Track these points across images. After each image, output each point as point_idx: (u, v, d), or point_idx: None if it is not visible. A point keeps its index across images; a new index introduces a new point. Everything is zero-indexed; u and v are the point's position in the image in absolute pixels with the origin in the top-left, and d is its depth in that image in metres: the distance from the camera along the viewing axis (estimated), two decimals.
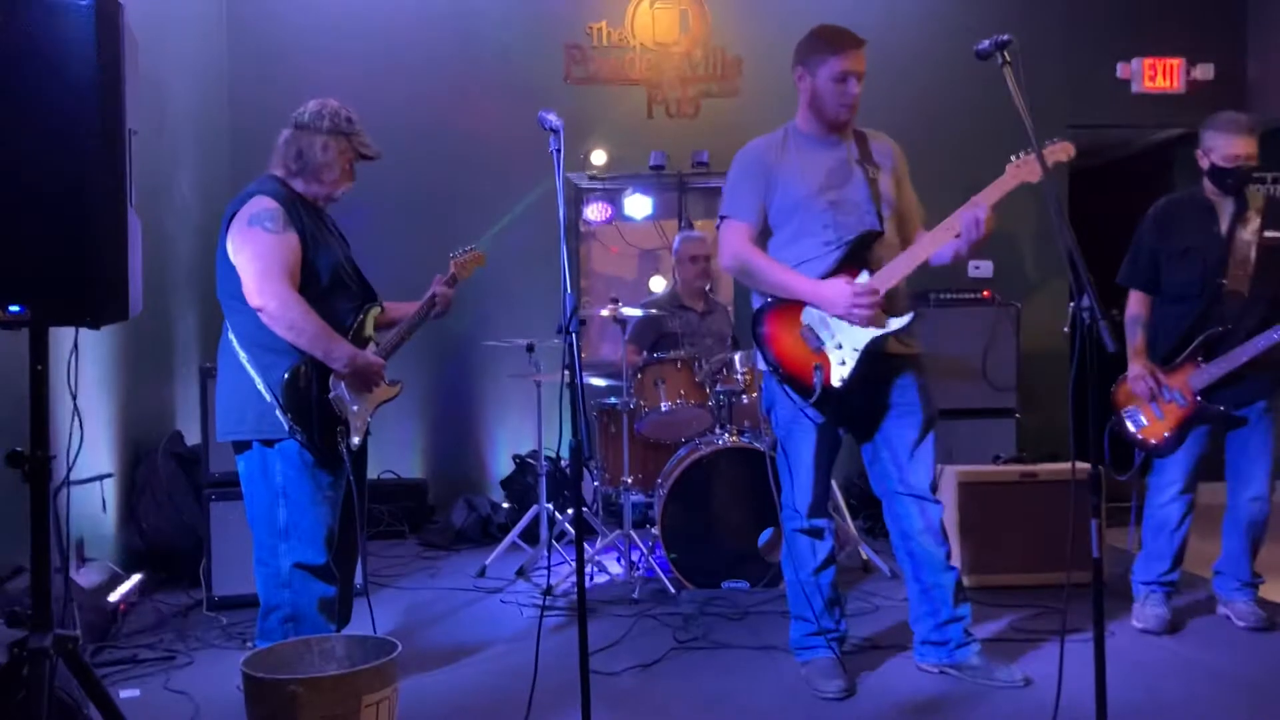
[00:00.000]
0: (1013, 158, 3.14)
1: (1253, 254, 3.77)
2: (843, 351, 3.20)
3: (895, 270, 3.21)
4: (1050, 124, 6.10)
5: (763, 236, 3.38)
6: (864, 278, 3.21)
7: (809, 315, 3.25)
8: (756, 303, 3.41)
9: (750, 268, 3.32)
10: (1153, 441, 3.87)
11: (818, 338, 3.24)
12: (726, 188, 3.44)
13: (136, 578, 4.30)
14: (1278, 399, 3.86)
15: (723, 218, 3.41)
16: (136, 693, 3.32)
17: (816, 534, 3.42)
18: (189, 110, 5.74)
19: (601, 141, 6.39)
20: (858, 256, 3.24)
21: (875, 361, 3.22)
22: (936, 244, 3.22)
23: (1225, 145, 3.74)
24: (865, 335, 3.19)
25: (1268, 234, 3.79)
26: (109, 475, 4.40)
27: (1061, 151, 3.11)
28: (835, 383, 3.20)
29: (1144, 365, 3.85)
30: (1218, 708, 3.13)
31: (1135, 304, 3.96)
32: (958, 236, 3.16)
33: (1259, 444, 3.84)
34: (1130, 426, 3.90)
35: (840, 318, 3.19)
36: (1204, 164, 3.83)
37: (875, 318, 3.16)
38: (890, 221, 3.33)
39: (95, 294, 2.22)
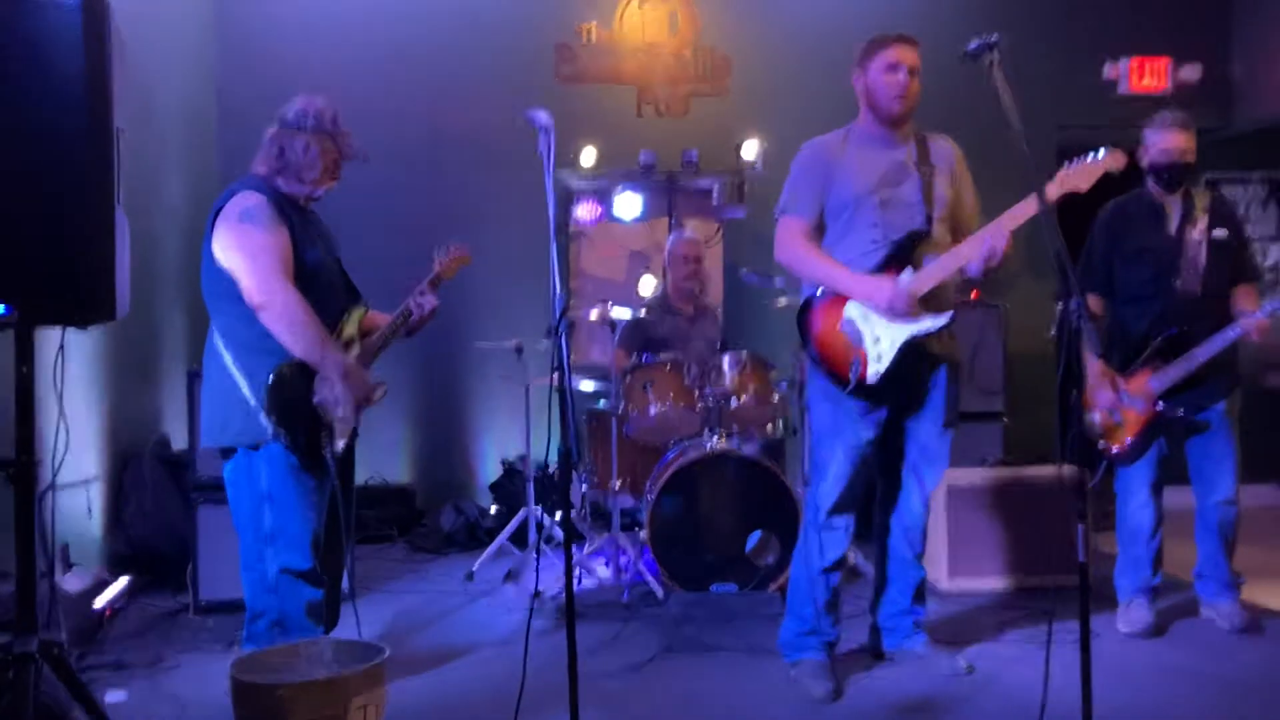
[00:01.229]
0: (1065, 164, 3.12)
1: (1202, 253, 3.82)
2: (880, 346, 3.28)
3: (934, 271, 3.26)
4: (1038, 124, 6.18)
5: (819, 233, 3.45)
6: (907, 274, 3.26)
7: (852, 309, 3.33)
8: (805, 295, 3.49)
9: (800, 262, 3.42)
10: (1115, 449, 3.88)
11: (858, 332, 3.31)
12: (787, 184, 3.50)
13: (123, 582, 4.27)
14: (1235, 400, 3.89)
15: (781, 213, 3.49)
16: (123, 696, 3.31)
17: (835, 533, 3.44)
18: (177, 110, 5.71)
19: (591, 141, 6.38)
20: (903, 255, 3.30)
21: (913, 359, 3.30)
22: (966, 256, 3.24)
23: (1161, 140, 3.81)
24: (903, 333, 3.27)
25: (1215, 233, 3.84)
26: (95, 479, 4.37)
27: (1113, 161, 3.09)
28: (870, 377, 3.28)
29: (1103, 374, 3.87)
30: (1203, 709, 3.15)
31: (1090, 307, 3.98)
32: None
33: (1222, 447, 3.87)
34: (1093, 434, 3.91)
35: (880, 314, 3.27)
36: (1144, 162, 3.88)
37: (913, 311, 3.24)
38: (942, 223, 3.38)
39: (82, 295, 2.22)
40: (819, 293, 3.41)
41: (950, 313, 3.29)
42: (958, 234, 3.41)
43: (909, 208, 3.34)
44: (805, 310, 3.43)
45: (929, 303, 3.28)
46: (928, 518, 3.56)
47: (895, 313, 3.23)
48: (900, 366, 3.28)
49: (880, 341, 3.28)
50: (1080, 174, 3.08)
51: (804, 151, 3.49)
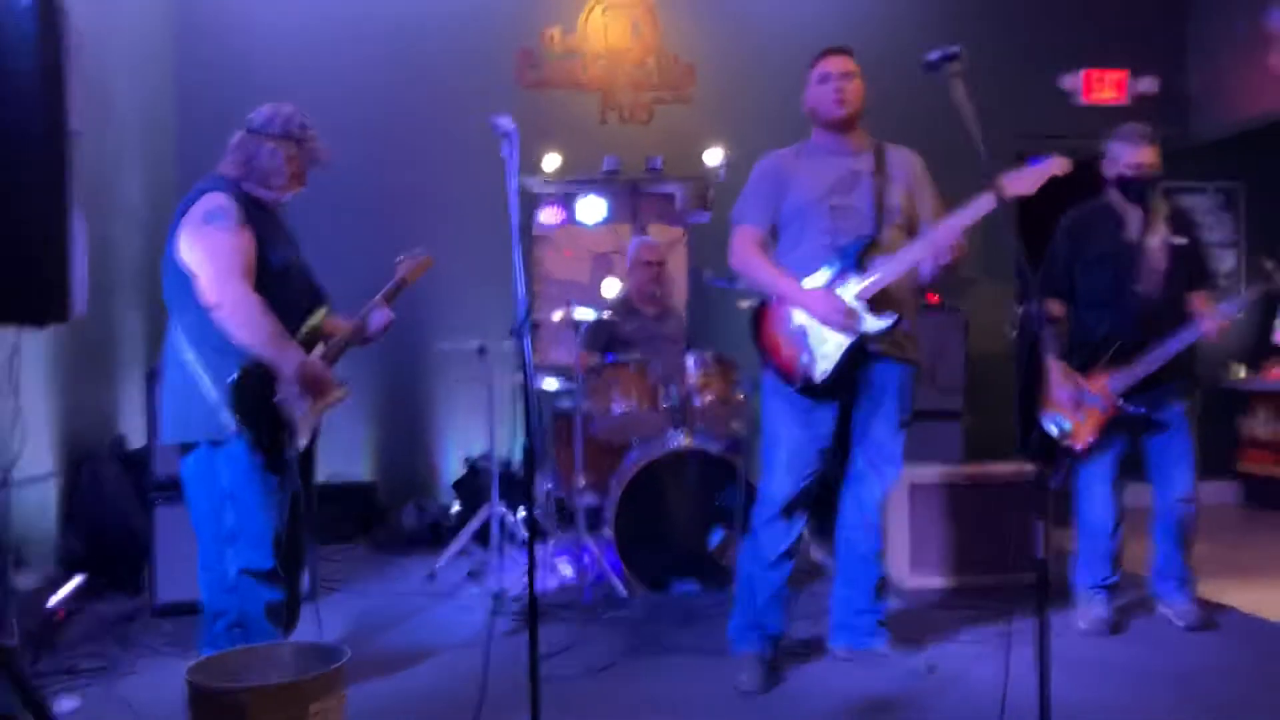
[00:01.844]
0: (1011, 170, 3.18)
1: (1162, 259, 3.90)
2: (827, 346, 3.36)
3: (882, 275, 3.33)
4: (998, 133, 6.23)
5: (773, 240, 3.56)
6: (854, 280, 3.34)
7: (801, 312, 3.40)
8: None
9: (751, 269, 3.51)
10: (1077, 447, 3.95)
11: (806, 333, 3.39)
12: (742, 194, 3.60)
13: (77, 583, 4.22)
14: (1194, 401, 3.97)
15: (735, 221, 3.58)
16: (76, 703, 3.26)
17: (779, 528, 3.48)
18: (135, 111, 5.65)
19: (554, 146, 6.38)
20: (851, 260, 3.36)
21: (863, 359, 3.39)
22: (912, 259, 3.33)
23: (1130, 154, 3.88)
24: (849, 334, 3.34)
25: (1174, 240, 3.93)
26: (50, 478, 4.32)
27: (1058, 167, 3.16)
28: (818, 376, 3.37)
29: (1063, 373, 3.93)
30: (1158, 705, 3.19)
31: (1052, 311, 4.04)
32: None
33: (1180, 446, 3.94)
34: (1054, 432, 3.98)
35: (819, 321, 3.35)
36: (1110, 173, 3.96)
37: (849, 323, 3.30)
38: (897, 229, 3.44)
39: (38, 294, 2.19)
40: (767, 296, 3.50)
41: (894, 315, 3.33)
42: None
43: (859, 214, 3.41)
44: (759, 310, 3.52)
45: (878, 305, 3.34)
46: (884, 516, 3.60)
47: (831, 325, 3.32)
48: (848, 367, 3.36)
49: (827, 342, 3.36)
50: (1025, 179, 3.15)
51: (760, 163, 3.59)
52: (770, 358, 3.47)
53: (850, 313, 3.31)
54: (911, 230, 3.49)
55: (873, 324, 3.33)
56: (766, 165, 3.56)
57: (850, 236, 3.38)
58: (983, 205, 3.21)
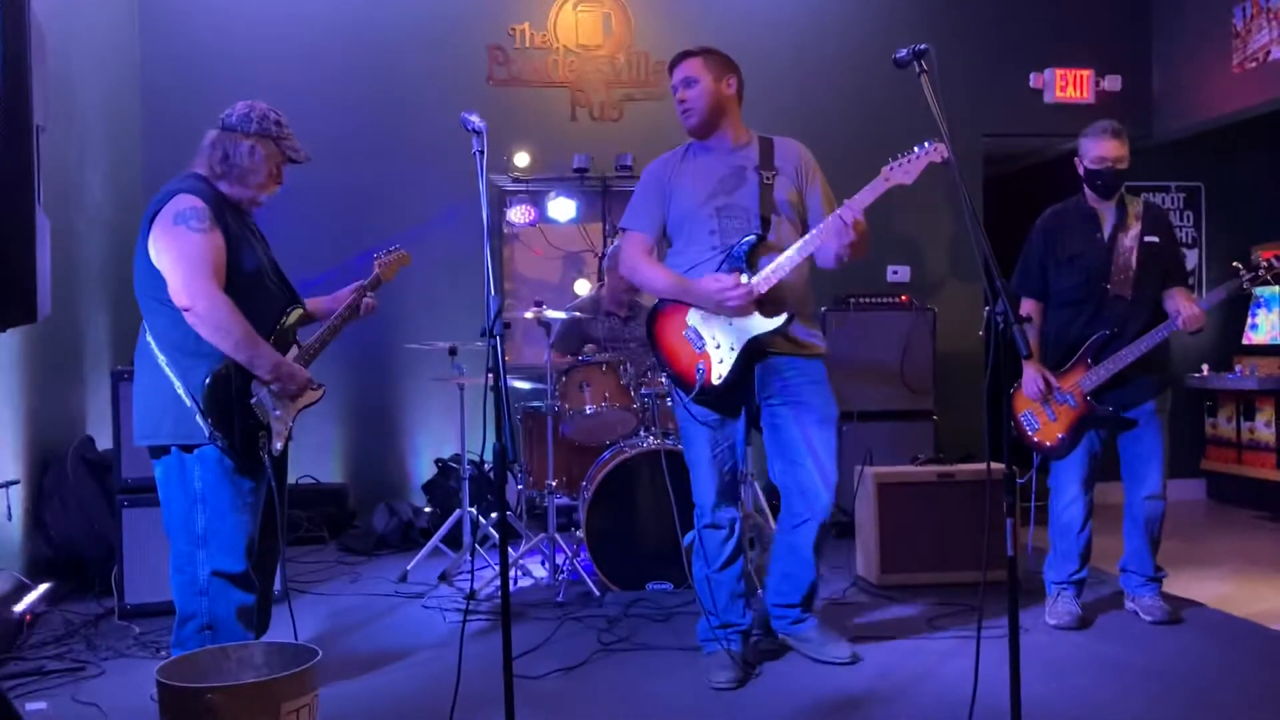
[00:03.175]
0: (890, 159, 3.23)
1: (1134, 259, 3.94)
2: (721, 350, 3.35)
3: (770, 274, 3.32)
4: (966, 131, 6.31)
5: (663, 246, 3.55)
6: (745, 279, 3.32)
7: (693, 316, 3.40)
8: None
9: (640, 274, 3.51)
10: (1048, 444, 4.00)
11: (700, 338, 3.38)
12: (630, 201, 3.59)
13: (44, 587, 4.17)
14: (1165, 400, 4.02)
15: (622, 229, 3.57)
16: (44, 705, 3.22)
17: (719, 530, 3.49)
18: (100, 108, 5.58)
19: (525, 143, 6.38)
20: (740, 260, 3.35)
21: (761, 360, 3.38)
22: (811, 247, 3.32)
23: (1094, 149, 3.94)
24: (742, 336, 3.33)
25: (1147, 239, 3.97)
26: (14, 482, 4.26)
27: (935, 154, 3.17)
28: (715, 380, 3.35)
29: (1036, 369, 3.97)
30: (1125, 699, 3.23)
31: (1026, 310, 4.09)
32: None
33: (1150, 444, 3.98)
34: (1026, 430, 4.02)
35: (714, 310, 3.33)
36: (1080, 169, 4.00)
37: (744, 312, 3.29)
38: (787, 224, 3.43)
39: (2, 295, 2.16)
40: (659, 303, 3.48)
41: (784, 315, 3.33)
42: (807, 233, 3.45)
43: (745, 212, 3.40)
44: (651, 319, 3.50)
45: (769, 304, 3.33)
46: (825, 525, 3.47)
47: (727, 307, 3.28)
48: (746, 369, 3.35)
49: (721, 346, 3.35)
50: (904, 168, 3.20)
51: (645, 171, 3.59)
52: (668, 365, 3.44)
53: (741, 285, 3.26)
54: (803, 223, 3.49)
55: (762, 325, 3.32)
56: (650, 172, 3.56)
57: (737, 236, 3.37)
58: (873, 191, 3.23)
